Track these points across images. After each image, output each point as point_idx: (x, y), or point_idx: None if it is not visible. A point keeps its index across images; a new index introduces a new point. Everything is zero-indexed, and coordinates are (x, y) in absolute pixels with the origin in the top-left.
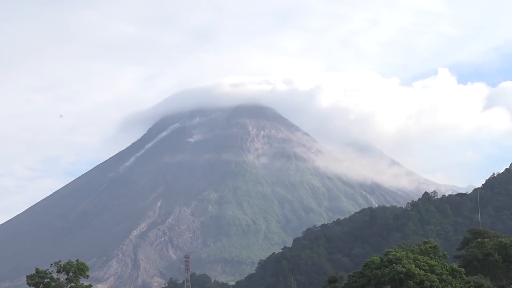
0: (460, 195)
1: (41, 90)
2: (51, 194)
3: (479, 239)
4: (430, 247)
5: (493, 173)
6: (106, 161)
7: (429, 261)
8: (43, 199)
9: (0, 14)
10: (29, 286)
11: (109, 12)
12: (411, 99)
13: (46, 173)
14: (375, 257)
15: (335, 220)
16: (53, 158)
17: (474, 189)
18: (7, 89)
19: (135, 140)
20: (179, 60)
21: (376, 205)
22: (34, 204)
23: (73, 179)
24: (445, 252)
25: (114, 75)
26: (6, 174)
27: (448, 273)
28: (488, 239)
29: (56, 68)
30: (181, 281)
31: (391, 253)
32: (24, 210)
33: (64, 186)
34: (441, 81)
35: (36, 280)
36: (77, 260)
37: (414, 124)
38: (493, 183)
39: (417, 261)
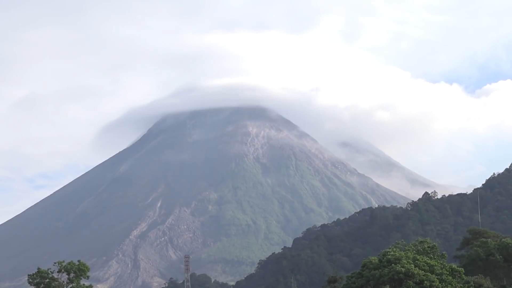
0: (460, 195)
1: (72, 99)
2: (51, 194)
3: (483, 239)
4: (428, 247)
5: (493, 173)
6: (106, 161)
7: (428, 261)
8: (43, 199)
9: (33, 22)
10: (30, 285)
11: (138, 24)
12: (412, 99)
13: (62, 180)
14: (373, 257)
15: (335, 220)
16: (72, 166)
17: (474, 189)
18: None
19: (135, 140)
20: (181, 60)
21: (376, 205)
22: (34, 204)
23: (73, 179)
24: (444, 252)
25: (133, 83)
26: (21, 182)
27: (448, 273)
28: (491, 239)
29: (85, 77)
30: (181, 281)
31: (389, 253)
32: (24, 210)
33: (64, 186)
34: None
35: (38, 280)
36: (78, 261)
37: (415, 124)
38: (493, 183)
39: (416, 261)
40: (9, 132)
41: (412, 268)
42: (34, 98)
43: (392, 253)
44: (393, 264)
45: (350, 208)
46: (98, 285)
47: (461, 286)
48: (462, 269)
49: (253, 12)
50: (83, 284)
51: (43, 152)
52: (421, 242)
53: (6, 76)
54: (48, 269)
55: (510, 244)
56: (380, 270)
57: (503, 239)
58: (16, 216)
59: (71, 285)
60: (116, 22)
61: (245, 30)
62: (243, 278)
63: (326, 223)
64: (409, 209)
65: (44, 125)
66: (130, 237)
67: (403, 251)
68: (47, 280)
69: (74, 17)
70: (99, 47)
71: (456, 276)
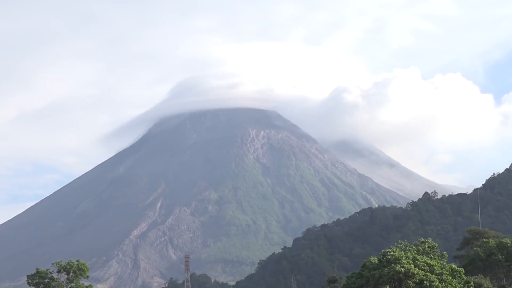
0: (460, 195)
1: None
2: (51, 194)
3: (484, 239)
4: (428, 247)
5: (493, 173)
6: (106, 161)
7: (428, 261)
8: (43, 199)
9: (55, 34)
10: (30, 286)
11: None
12: (411, 99)
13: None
14: (372, 258)
15: (335, 220)
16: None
17: (474, 189)
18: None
19: (135, 140)
20: (180, 60)
21: (376, 205)
22: (34, 204)
23: (73, 179)
24: (444, 252)
25: (145, 89)
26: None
27: (448, 273)
28: (492, 239)
29: (105, 85)
30: (181, 281)
31: (389, 253)
32: (24, 210)
33: (64, 186)
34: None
35: (37, 280)
36: (77, 260)
37: (414, 124)
38: (493, 183)
39: (416, 261)
40: (30, 139)
41: (412, 268)
42: (55, 106)
43: (391, 253)
44: (393, 264)
45: (350, 208)
46: (98, 285)
47: (461, 286)
48: (462, 269)
49: (256, 22)
50: (83, 284)
51: (62, 158)
52: (422, 242)
53: (28, 85)
54: (47, 270)
55: (509, 244)
56: (380, 270)
57: (502, 239)
58: (16, 216)
59: (70, 285)
60: (133, 27)
61: (249, 38)
62: (243, 278)
63: (326, 223)
64: (409, 209)
65: (63, 132)
66: (130, 237)
67: (404, 251)
68: (47, 280)
69: (94, 26)
70: (117, 54)
71: (456, 276)
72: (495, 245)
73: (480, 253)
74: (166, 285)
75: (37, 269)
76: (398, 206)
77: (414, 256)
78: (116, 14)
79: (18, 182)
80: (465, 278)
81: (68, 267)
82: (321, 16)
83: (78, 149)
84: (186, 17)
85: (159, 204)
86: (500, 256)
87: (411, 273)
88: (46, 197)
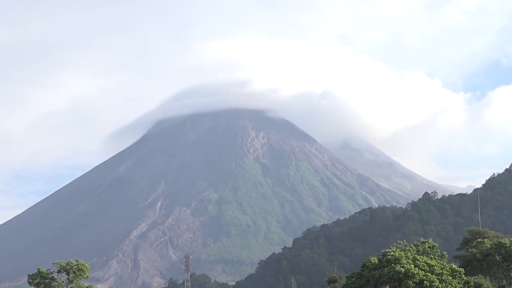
0: (460, 195)
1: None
2: (51, 194)
3: (479, 239)
4: (429, 247)
5: (493, 173)
6: (106, 161)
7: (428, 261)
8: (43, 199)
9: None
10: (30, 285)
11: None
12: (411, 99)
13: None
14: (372, 258)
15: (335, 220)
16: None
17: (474, 189)
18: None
19: (135, 140)
20: (180, 60)
21: (376, 205)
22: (34, 204)
23: (73, 179)
24: (444, 252)
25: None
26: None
27: (448, 273)
28: (487, 239)
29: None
30: (181, 281)
31: (389, 253)
32: (24, 210)
33: (64, 186)
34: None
35: (38, 280)
36: (77, 260)
37: (415, 124)
38: (493, 183)
39: (416, 261)
40: (37, 142)
41: (412, 268)
42: (60, 109)
43: (392, 253)
44: (393, 264)
45: (350, 208)
46: (98, 285)
47: (461, 287)
48: (462, 269)
49: (256, 20)
50: (83, 284)
51: (63, 159)
52: (422, 242)
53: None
54: (48, 270)
55: (508, 244)
56: (379, 270)
57: (500, 239)
58: (16, 216)
59: (70, 285)
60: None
61: (250, 36)
62: (243, 278)
63: (326, 223)
64: (409, 209)
65: (66, 134)
66: (130, 237)
67: (404, 251)
68: (48, 280)
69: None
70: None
71: (456, 276)
72: (491, 246)
73: (476, 254)
74: (166, 285)
75: (38, 269)
76: (398, 206)
77: (414, 256)
78: (140, 26)
79: (21, 182)
80: (465, 278)
81: (68, 267)
82: (331, 23)
83: (79, 150)
84: (197, 25)
85: (159, 204)
86: (497, 257)
87: (411, 273)
88: (46, 197)
